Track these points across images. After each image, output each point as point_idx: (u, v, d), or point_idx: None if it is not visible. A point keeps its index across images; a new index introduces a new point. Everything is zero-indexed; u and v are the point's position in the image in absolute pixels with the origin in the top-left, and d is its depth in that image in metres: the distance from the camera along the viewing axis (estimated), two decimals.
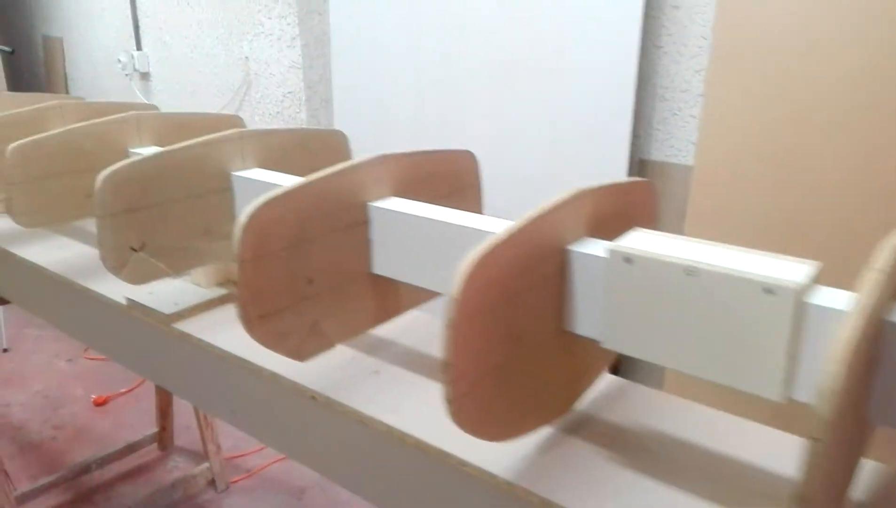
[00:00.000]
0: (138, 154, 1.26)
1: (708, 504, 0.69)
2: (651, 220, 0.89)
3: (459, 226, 0.85)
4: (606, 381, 0.91)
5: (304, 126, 2.71)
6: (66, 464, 2.38)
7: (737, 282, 0.61)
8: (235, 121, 1.45)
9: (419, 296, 1.04)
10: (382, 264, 0.94)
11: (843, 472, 0.58)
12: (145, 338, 1.21)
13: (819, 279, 0.62)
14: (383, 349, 1.02)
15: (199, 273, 1.20)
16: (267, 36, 2.71)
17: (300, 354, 0.89)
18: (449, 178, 1.05)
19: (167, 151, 1.02)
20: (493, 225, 0.83)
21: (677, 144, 1.83)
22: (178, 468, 2.36)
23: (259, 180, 1.10)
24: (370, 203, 0.92)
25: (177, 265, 1.08)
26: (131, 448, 2.31)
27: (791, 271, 0.61)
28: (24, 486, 2.09)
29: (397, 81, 2.29)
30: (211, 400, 1.14)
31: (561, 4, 1.87)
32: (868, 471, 0.73)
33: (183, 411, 2.47)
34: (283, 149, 1.18)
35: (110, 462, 2.28)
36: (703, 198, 1.62)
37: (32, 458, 2.42)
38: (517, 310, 0.69)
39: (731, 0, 1.52)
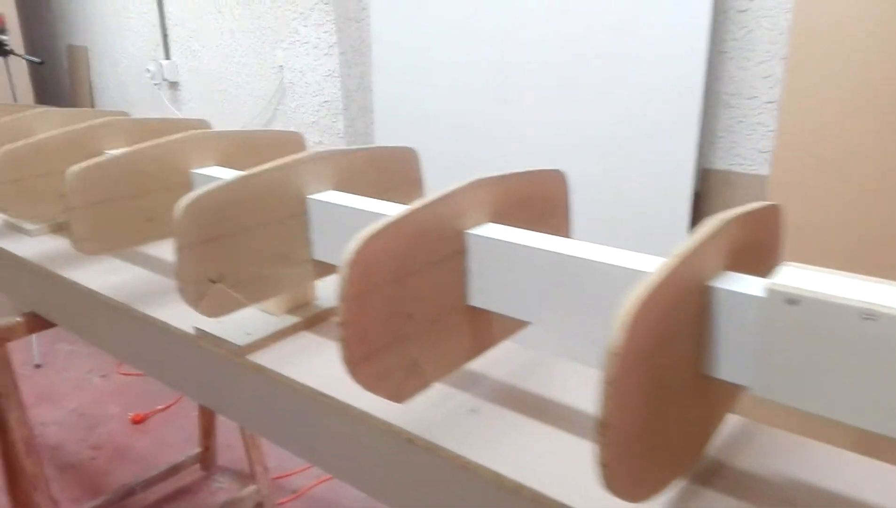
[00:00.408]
0: (202, 176, 1.21)
1: None
2: (777, 251, 0.82)
3: (570, 256, 0.79)
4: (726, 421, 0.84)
5: (341, 136, 2.66)
6: (108, 485, 2.33)
7: None
8: (296, 138, 1.40)
9: (511, 327, 0.98)
10: (480, 296, 0.88)
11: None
12: (215, 370, 1.15)
13: None
14: (476, 385, 0.95)
15: (270, 300, 1.14)
16: (303, 44, 2.66)
17: (399, 395, 0.83)
18: (541, 201, 0.99)
19: (245, 177, 0.96)
20: (605, 254, 0.77)
21: (743, 153, 1.76)
22: (222, 489, 2.30)
23: (336, 204, 1.04)
24: (468, 231, 0.86)
25: (254, 295, 1.02)
26: (175, 469, 2.26)
27: None
28: None
29: (443, 89, 2.23)
30: (288, 437, 1.08)
31: (621, 4, 1.80)
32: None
33: (224, 429, 2.42)
34: (357, 169, 1.12)
35: (154, 484, 2.23)
36: None
37: (72, 479, 2.38)
38: (664, 357, 0.62)
39: (809, 5, 1.45)
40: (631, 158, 1.83)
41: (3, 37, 3.11)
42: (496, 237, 0.84)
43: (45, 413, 2.78)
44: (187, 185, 1.22)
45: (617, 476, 0.58)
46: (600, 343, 0.78)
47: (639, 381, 0.58)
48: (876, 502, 0.71)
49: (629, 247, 0.80)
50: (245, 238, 0.99)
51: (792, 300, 0.61)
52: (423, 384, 0.85)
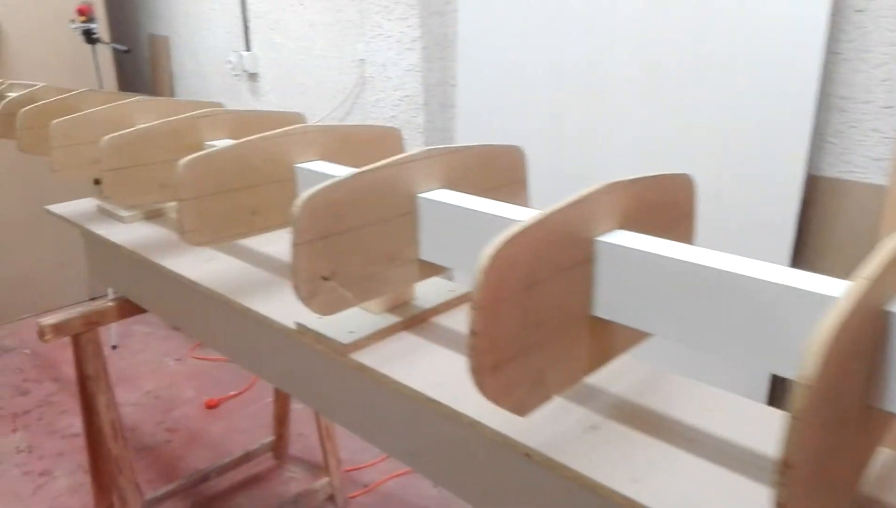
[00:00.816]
0: (306, 171, 1.19)
1: None
2: None
3: (714, 269, 0.73)
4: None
5: (421, 132, 2.63)
6: (182, 470, 2.36)
7: None
8: (395, 134, 1.37)
9: (631, 340, 0.93)
10: (606, 306, 0.83)
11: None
12: (316, 367, 1.13)
13: None
14: (594, 399, 0.91)
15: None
16: (385, 38, 2.64)
17: (522, 408, 0.79)
18: (669, 207, 0.93)
19: (359, 174, 0.94)
20: (753, 269, 0.72)
21: (855, 160, 1.66)
22: (294, 479, 2.31)
23: (446, 203, 1.00)
24: (598, 238, 0.82)
25: (362, 294, 0.99)
26: (248, 457, 2.28)
27: None
28: (144, 492, 2.08)
29: (530, 86, 2.18)
30: (390, 439, 1.06)
31: (730, 1, 1.71)
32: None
33: (296, 418, 2.43)
34: (465, 167, 1.09)
35: (227, 471, 2.25)
36: None
37: (149, 462, 2.42)
38: (844, 390, 0.57)
39: None
40: (735, 162, 1.75)
41: (92, 25, 3.19)
42: (630, 246, 0.79)
43: (122, 395, 2.83)
44: (291, 179, 1.20)
45: None
46: (744, 360, 0.73)
47: (823, 415, 0.53)
48: None
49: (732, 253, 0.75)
50: (356, 236, 0.96)
51: None
52: (545, 397, 0.81)
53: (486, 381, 0.73)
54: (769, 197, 1.68)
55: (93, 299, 3.84)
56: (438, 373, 0.98)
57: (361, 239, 0.97)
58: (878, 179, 1.62)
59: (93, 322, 1.58)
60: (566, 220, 0.78)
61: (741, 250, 0.78)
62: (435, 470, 1.01)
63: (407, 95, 2.65)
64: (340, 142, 1.27)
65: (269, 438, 2.35)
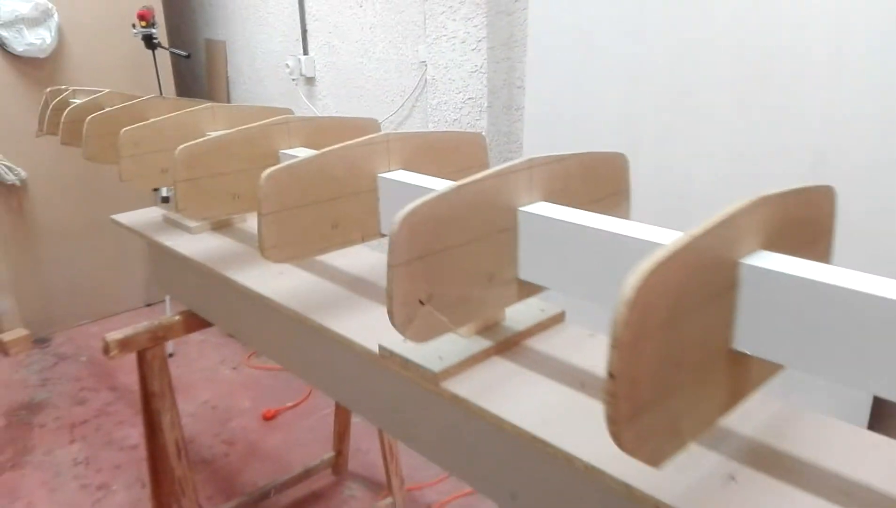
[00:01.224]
0: (389, 181, 1.10)
1: None
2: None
3: (873, 296, 0.63)
4: None
5: (484, 133, 2.54)
6: (241, 485, 2.31)
7: None
8: (479, 140, 1.28)
9: (765, 374, 0.82)
10: (750, 339, 0.73)
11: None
12: (403, 395, 1.05)
13: None
14: (726, 442, 0.80)
15: None
16: (449, 39, 2.55)
17: (657, 458, 0.69)
18: (811, 224, 0.82)
19: (460, 187, 0.85)
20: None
21: None
22: (354, 497, 2.24)
23: (550, 218, 0.91)
24: (743, 261, 0.71)
25: (459, 318, 0.90)
26: (307, 473, 2.21)
27: None
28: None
29: (605, 88, 2.07)
30: (485, 478, 0.97)
31: None
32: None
33: (355, 432, 2.35)
34: (568, 177, 0.99)
35: (287, 488, 2.18)
36: None
37: (207, 475, 2.37)
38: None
39: None
40: (837, 178, 1.62)
41: (153, 30, 3.17)
42: (781, 270, 0.69)
43: (179, 404, 2.77)
44: (373, 190, 1.12)
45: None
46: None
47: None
48: None
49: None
50: (455, 255, 0.87)
51: None
52: (681, 445, 0.71)
53: (624, 431, 0.63)
54: (884, 212, 1.54)
55: (149, 305, 3.84)
56: (542, 407, 0.89)
57: (460, 258, 0.88)
58: None
59: (159, 337, 1.52)
60: (714, 242, 0.67)
61: (856, 267, 0.69)
62: None
63: (470, 98, 2.57)
64: (423, 149, 1.18)
65: (328, 454, 2.28)
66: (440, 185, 1.08)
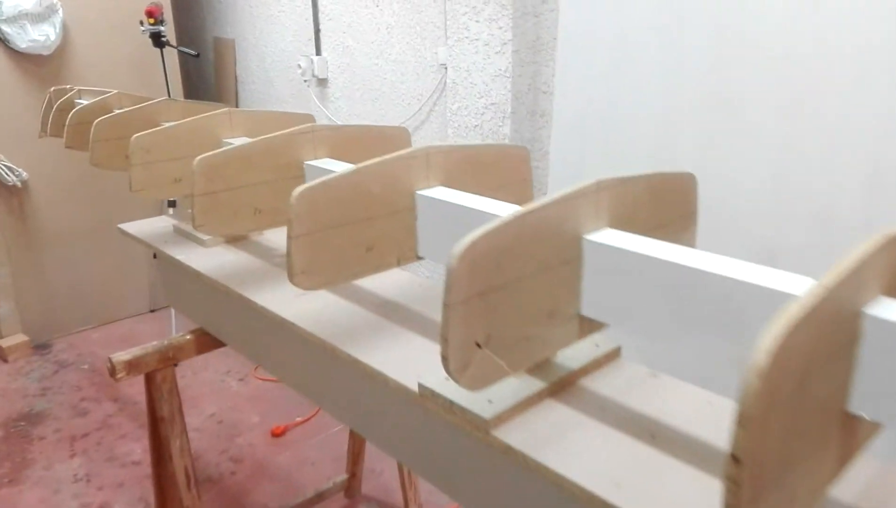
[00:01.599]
0: (428, 199, 1.00)
1: None
2: None
3: None
4: None
5: (507, 140, 2.43)
6: (249, 505, 2.20)
7: None
8: (523, 154, 1.17)
9: (868, 434, 0.71)
10: (869, 399, 0.62)
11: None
12: (445, 440, 0.94)
13: None
14: None
15: None
16: (472, 41, 2.44)
17: None
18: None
19: (522, 215, 0.74)
20: None
21: None
22: None
23: (617, 247, 0.80)
24: (867, 311, 0.60)
25: (516, 362, 0.80)
26: (320, 497, 2.11)
27: None
28: None
29: (639, 94, 1.96)
30: None
31: None
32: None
33: (369, 451, 2.24)
34: (634, 201, 0.88)
35: None
36: None
37: (214, 495, 2.27)
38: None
39: None
40: (892, 189, 1.51)
41: (161, 28, 3.07)
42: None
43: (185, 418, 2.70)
44: (410, 208, 1.01)
45: None
46: None
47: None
48: None
49: None
50: (515, 291, 0.76)
51: None
52: None
53: None
54: None
55: (153, 310, 3.73)
56: (611, 464, 0.78)
57: (520, 294, 0.77)
58: None
59: (169, 359, 1.41)
60: (844, 292, 0.57)
61: None
62: None
63: (493, 103, 2.46)
64: (464, 164, 1.07)
65: (341, 476, 2.17)
66: (483, 204, 0.97)
